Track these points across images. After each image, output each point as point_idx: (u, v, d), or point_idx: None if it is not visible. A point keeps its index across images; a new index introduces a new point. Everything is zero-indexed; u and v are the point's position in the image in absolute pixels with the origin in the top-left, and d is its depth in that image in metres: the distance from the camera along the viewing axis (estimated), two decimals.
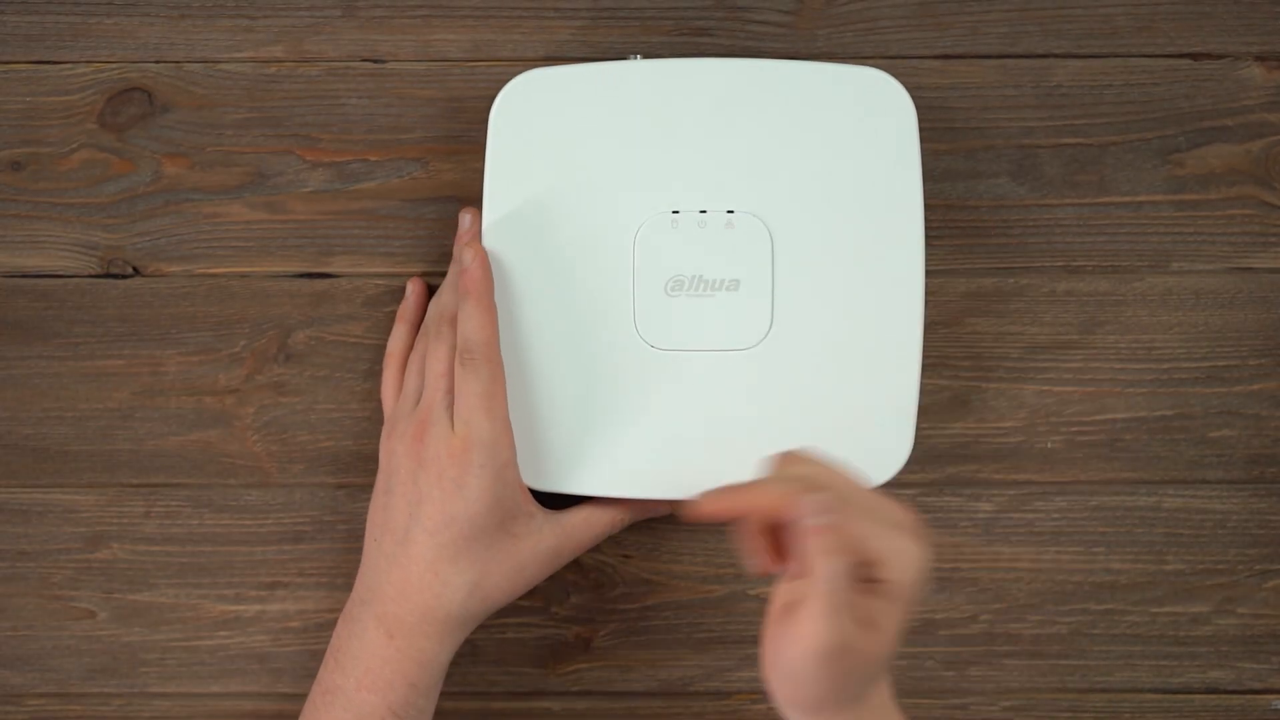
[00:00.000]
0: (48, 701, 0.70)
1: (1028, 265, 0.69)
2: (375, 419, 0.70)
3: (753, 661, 0.70)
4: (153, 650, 0.70)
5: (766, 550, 0.57)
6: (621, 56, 0.68)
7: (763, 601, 0.69)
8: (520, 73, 0.64)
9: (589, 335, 0.64)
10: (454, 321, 0.64)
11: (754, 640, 0.70)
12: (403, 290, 0.69)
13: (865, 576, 0.54)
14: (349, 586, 0.65)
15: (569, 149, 0.64)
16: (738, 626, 0.70)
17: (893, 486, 0.68)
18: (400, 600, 0.62)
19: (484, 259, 0.63)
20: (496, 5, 0.69)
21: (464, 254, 0.63)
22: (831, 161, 0.64)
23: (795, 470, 0.57)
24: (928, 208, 0.67)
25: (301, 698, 0.64)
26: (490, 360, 0.62)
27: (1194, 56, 0.69)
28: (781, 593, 0.55)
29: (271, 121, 0.69)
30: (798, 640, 0.53)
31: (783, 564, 0.56)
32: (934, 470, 0.70)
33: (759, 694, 0.70)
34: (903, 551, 0.54)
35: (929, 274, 0.67)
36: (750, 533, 0.57)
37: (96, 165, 0.69)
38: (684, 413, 0.64)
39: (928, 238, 0.66)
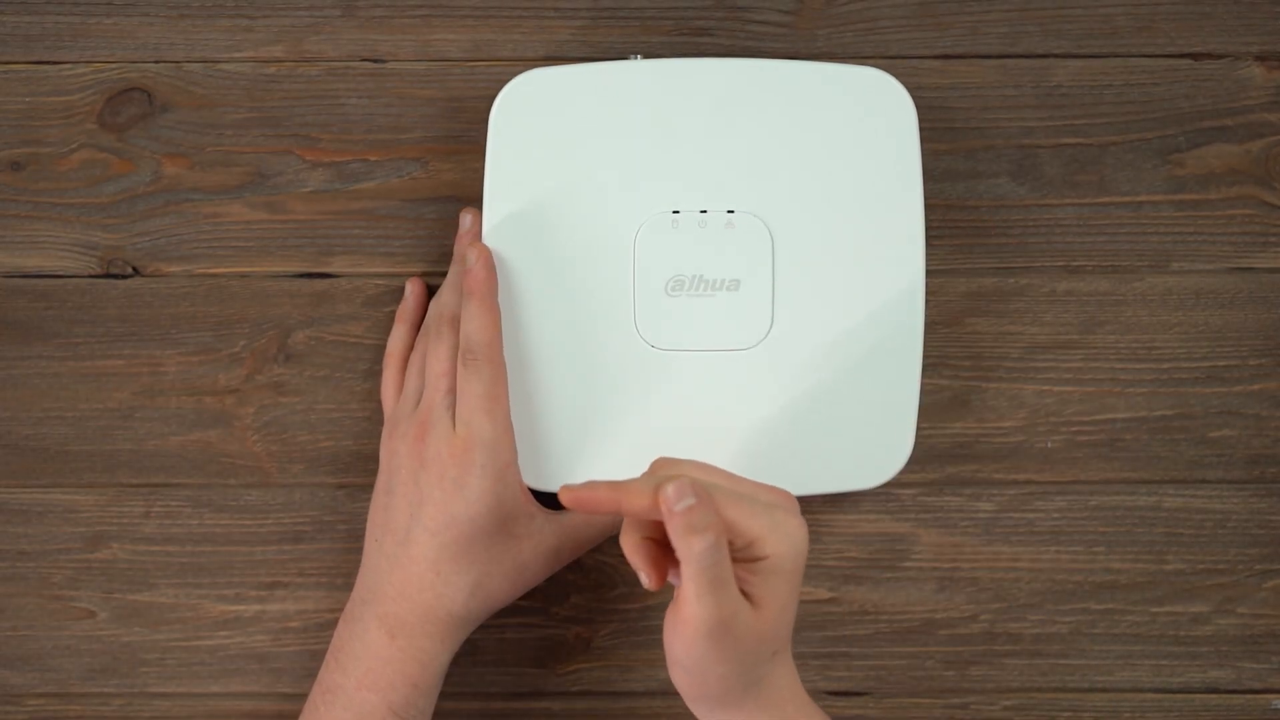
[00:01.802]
0: (48, 701, 0.70)
1: (1028, 265, 0.69)
2: (375, 419, 0.70)
3: None
4: (153, 650, 0.70)
5: (653, 563, 0.56)
6: (621, 56, 0.68)
7: None
8: (520, 73, 0.64)
9: (589, 335, 0.64)
10: (454, 322, 0.64)
11: None
12: (402, 290, 0.69)
13: (746, 557, 0.54)
14: (349, 586, 0.65)
15: (569, 149, 0.64)
16: None
17: (893, 486, 0.68)
18: (402, 600, 0.62)
19: (488, 259, 0.63)
20: (496, 5, 0.69)
21: (468, 254, 0.63)
22: (831, 161, 0.64)
23: (664, 471, 0.56)
24: (928, 208, 0.67)
25: (301, 698, 0.64)
26: (493, 361, 0.62)
27: (1194, 56, 0.69)
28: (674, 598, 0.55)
29: (271, 121, 0.69)
30: (681, 625, 0.54)
31: (675, 575, 0.56)
32: (934, 470, 0.70)
33: None
34: (778, 526, 0.54)
35: (929, 274, 0.67)
36: (634, 546, 0.56)
37: (96, 165, 0.69)
38: (684, 413, 0.64)
39: (928, 238, 0.66)
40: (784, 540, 0.55)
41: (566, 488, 0.54)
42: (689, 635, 0.54)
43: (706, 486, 0.53)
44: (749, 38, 0.69)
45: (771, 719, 0.57)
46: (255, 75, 0.69)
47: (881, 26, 0.69)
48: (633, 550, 0.56)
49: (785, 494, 0.57)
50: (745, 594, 0.55)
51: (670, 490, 0.52)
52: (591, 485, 0.54)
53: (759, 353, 0.64)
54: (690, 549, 0.52)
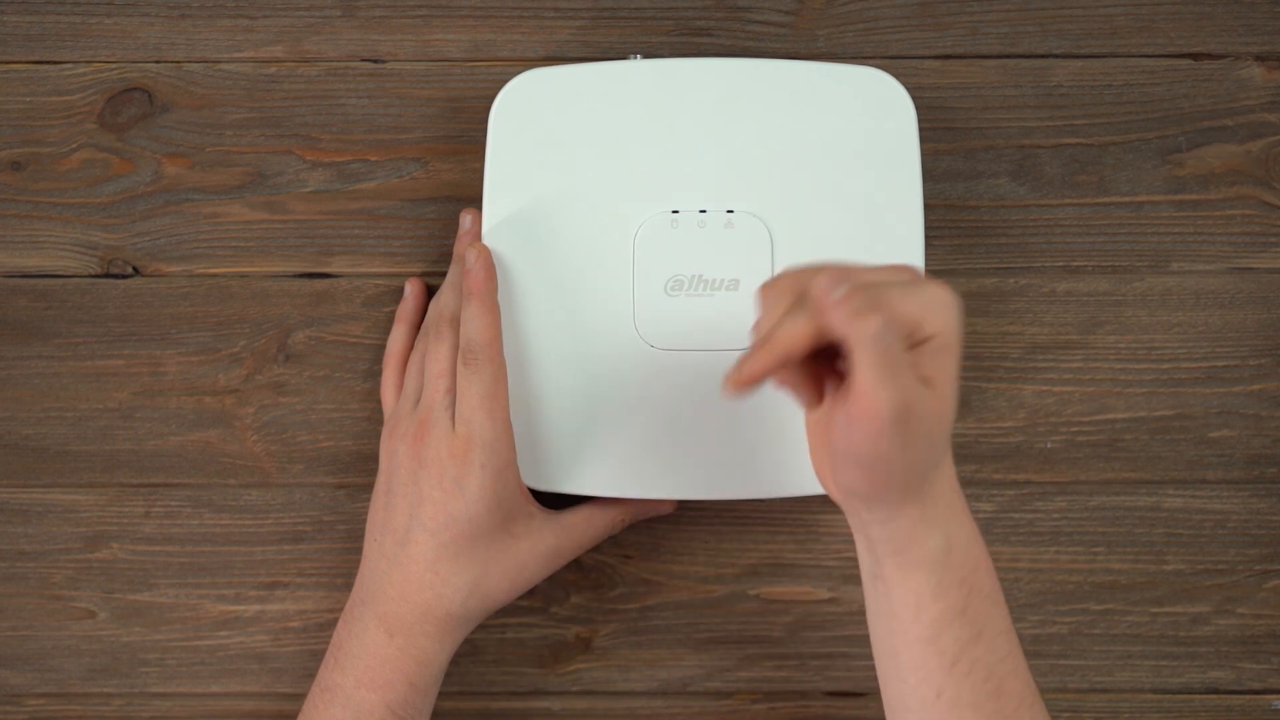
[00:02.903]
0: (48, 701, 0.70)
1: (1028, 265, 0.69)
2: (375, 419, 0.70)
3: (753, 661, 0.70)
4: (153, 650, 0.70)
5: (809, 381, 0.54)
6: (621, 56, 0.68)
7: (763, 601, 0.69)
8: (520, 73, 0.64)
9: (589, 335, 0.64)
10: (454, 322, 0.64)
11: (754, 640, 0.70)
12: (402, 290, 0.69)
13: (914, 342, 0.52)
14: (349, 586, 0.65)
15: (569, 149, 0.64)
16: (737, 626, 0.70)
17: None
18: (401, 600, 0.62)
19: (488, 259, 0.63)
20: (496, 5, 0.69)
21: (468, 254, 0.63)
22: (832, 161, 0.64)
23: (787, 284, 0.54)
24: (928, 208, 0.67)
25: (301, 698, 0.64)
26: (493, 361, 0.62)
27: (1194, 56, 0.69)
28: (819, 414, 0.53)
29: (271, 121, 0.69)
30: (863, 418, 0.50)
31: (829, 386, 0.55)
32: None
33: (759, 694, 0.70)
34: (934, 300, 0.52)
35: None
36: (783, 375, 0.54)
37: (96, 165, 0.69)
38: (684, 413, 0.64)
39: (928, 238, 0.66)
40: (943, 312, 0.52)
41: (731, 374, 0.51)
42: (874, 427, 0.50)
43: (846, 271, 0.51)
44: (749, 38, 0.69)
45: (947, 508, 0.55)
46: (255, 75, 0.69)
47: (881, 26, 0.69)
48: (784, 378, 0.53)
49: (911, 269, 0.55)
50: (917, 375, 0.52)
51: (823, 282, 0.50)
52: (750, 359, 0.51)
53: None
54: (865, 332, 0.49)
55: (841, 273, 0.50)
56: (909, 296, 0.52)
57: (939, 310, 0.52)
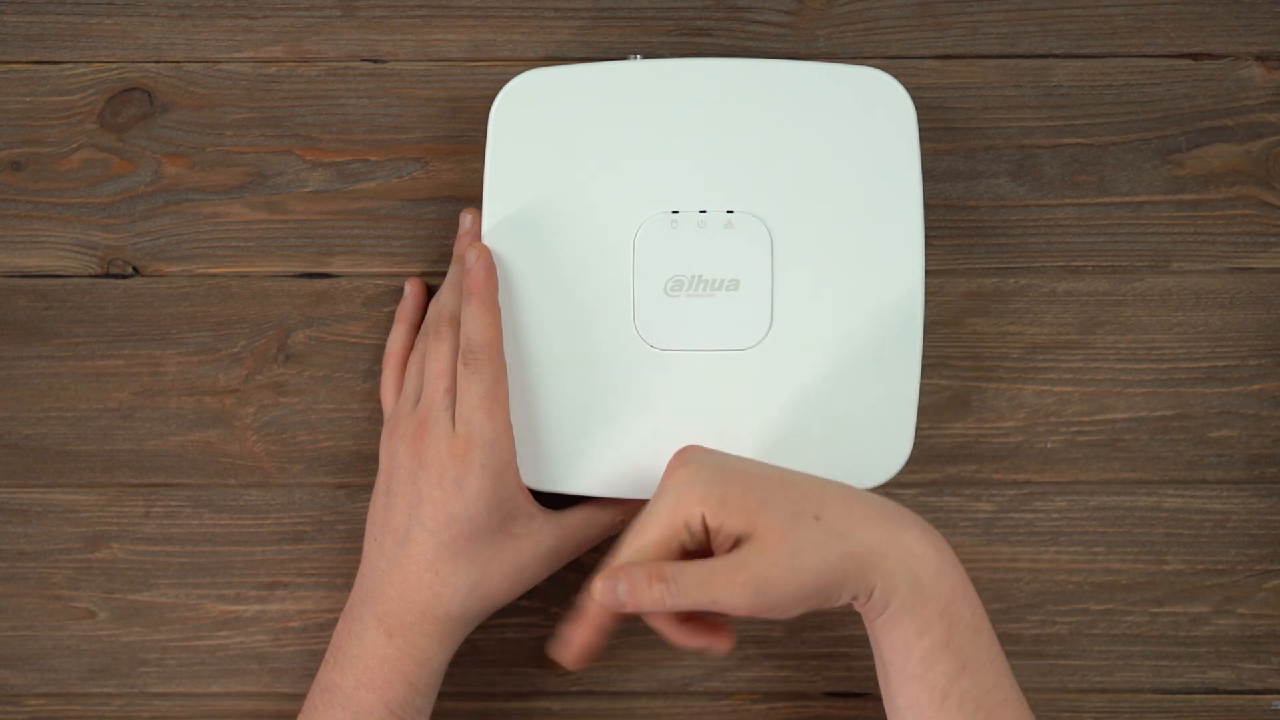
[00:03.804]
0: (48, 701, 0.70)
1: (1028, 265, 0.69)
2: (375, 419, 0.70)
3: (753, 661, 0.70)
4: (153, 650, 0.70)
5: (703, 630, 0.61)
6: (621, 56, 0.68)
7: None
8: (520, 73, 0.64)
9: (589, 335, 0.64)
10: (454, 321, 0.64)
11: (754, 640, 0.70)
12: (402, 290, 0.69)
13: (702, 538, 0.57)
14: (349, 586, 0.65)
15: (569, 149, 0.64)
16: (738, 627, 0.70)
17: (893, 486, 0.68)
18: (400, 600, 0.62)
19: (488, 259, 0.63)
20: (496, 5, 0.69)
21: (468, 254, 0.63)
22: (831, 161, 0.64)
23: (675, 473, 0.59)
24: (928, 208, 0.67)
25: (301, 698, 0.64)
26: (493, 361, 0.62)
27: (1194, 56, 0.69)
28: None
29: (271, 121, 0.69)
30: (763, 612, 0.56)
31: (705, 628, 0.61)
32: (934, 470, 0.70)
33: (759, 694, 0.70)
34: (675, 512, 0.57)
35: (929, 274, 0.67)
36: (684, 635, 0.61)
37: (96, 165, 0.69)
38: (684, 413, 0.64)
39: (928, 238, 0.66)
40: (689, 506, 0.57)
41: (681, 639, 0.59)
42: (769, 609, 0.56)
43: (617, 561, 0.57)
44: (749, 38, 0.69)
45: (900, 554, 0.57)
46: (255, 75, 0.69)
47: (881, 26, 0.69)
48: (686, 637, 0.60)
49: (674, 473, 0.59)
50: (741, 543, 0.57)
51: (602, 598, 0.57)
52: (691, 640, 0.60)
53: (758, 353, 0.64)
54: (673, 603, 0.56)
55: (609, 576, 0.57)
56: (651, 538, 0.57)
57: (687, 506, 0.57)
